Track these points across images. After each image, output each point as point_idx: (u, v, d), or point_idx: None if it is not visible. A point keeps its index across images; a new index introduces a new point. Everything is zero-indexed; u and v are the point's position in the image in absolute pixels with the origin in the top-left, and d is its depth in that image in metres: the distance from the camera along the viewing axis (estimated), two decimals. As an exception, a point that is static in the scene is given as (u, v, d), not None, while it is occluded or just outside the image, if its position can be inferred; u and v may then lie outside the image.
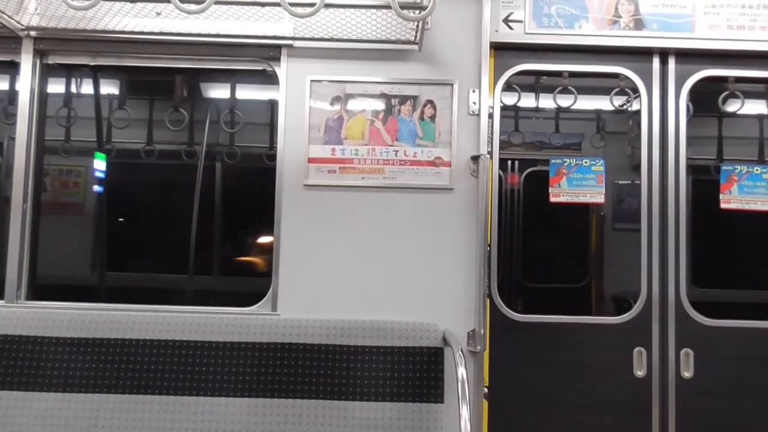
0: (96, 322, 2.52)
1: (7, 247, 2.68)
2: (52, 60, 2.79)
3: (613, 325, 2.68)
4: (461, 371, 2.13)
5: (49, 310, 2.58)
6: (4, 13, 2.52)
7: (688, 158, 2.75)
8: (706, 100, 2.96)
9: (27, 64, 2.72)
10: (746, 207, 2.71)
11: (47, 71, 2.81)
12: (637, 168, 2.76)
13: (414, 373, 2.48)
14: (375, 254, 2.64)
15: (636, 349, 2.65)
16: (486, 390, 2.60)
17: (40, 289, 2.79)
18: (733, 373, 2.64)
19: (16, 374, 2.47)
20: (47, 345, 2.50)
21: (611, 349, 2.65)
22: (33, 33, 2.69)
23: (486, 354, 2.60)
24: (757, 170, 2.72)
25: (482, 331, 2.51)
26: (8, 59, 2.77)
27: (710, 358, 2.64)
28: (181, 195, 3.41)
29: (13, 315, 2.54)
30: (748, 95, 2.93)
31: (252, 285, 3.21)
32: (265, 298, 2.65)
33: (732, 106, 2.92)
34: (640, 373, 2.65)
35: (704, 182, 3.15)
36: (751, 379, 2.64)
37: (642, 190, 2.73)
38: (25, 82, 2.73)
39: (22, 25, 2.64)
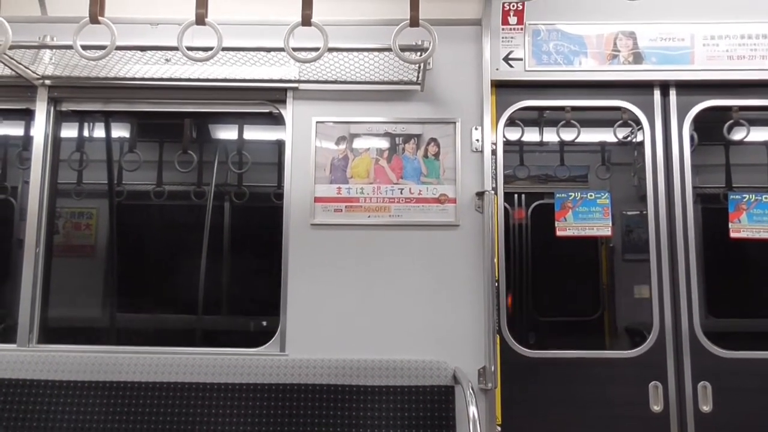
0: (106, 365, 2.53)
1: (20, 291, 2.71)
2: (65, 107, 2.87)
3: (626, 359, 2.64)
4: (473, 410, 2.10)
5: (60, 353, 2.59)
6: (20, 63, 2.62)
7: (696, 187, 2.74)
8: (711, 128, 2.95)
9: (41, 111, 2.81)
10: (756, 236, 2.69)
11: (61, 117, 2.89)
12: (644, 199, 2.76)
13: (425, 412, 2.44)
14: (382, 292, 2.63)
15: (651, 383, 2.60)
16: (499, 428, 2.55)
17: (52, 332, 2.81)
18: (754, 406, 2.57)
19: (27, 419, 2.47)
20: (58, 389, 2.50)
21: (626, 384, 2.60)
22: (48, 82, 2.78)
23: (498, 391, 2.56)
24: (765, 198, 2.70)
25: (493, 368, 2.48)
26: (24, 107, 2.86)
27: (729, 391, 2.58)
28: (191, 235, 3.44)
29: (25, 359, 2.55)
30: (754, 123, 2.93)
31: (261, 324, 3.20)
32: (273, 339, 2.64)
33: (738, 135, 2.92)
34: (656, 408, 2.58)
35: (714, 210, 3.11)
36: None
37: (649, 221, 2.72)
38: (39, 129, 2.80)
39: (38, 74, 2.73)
